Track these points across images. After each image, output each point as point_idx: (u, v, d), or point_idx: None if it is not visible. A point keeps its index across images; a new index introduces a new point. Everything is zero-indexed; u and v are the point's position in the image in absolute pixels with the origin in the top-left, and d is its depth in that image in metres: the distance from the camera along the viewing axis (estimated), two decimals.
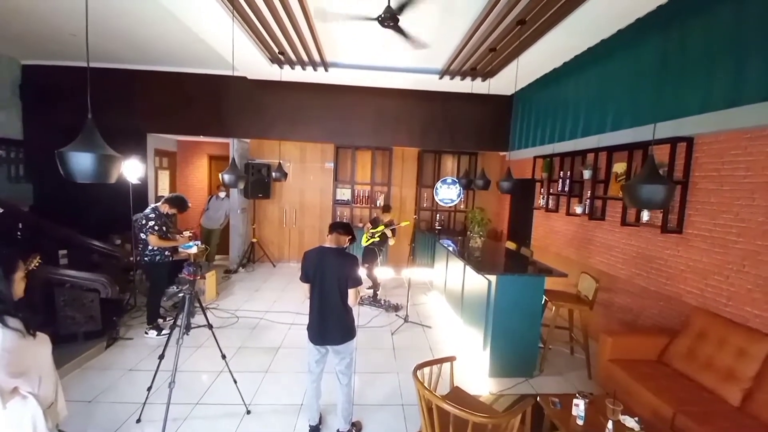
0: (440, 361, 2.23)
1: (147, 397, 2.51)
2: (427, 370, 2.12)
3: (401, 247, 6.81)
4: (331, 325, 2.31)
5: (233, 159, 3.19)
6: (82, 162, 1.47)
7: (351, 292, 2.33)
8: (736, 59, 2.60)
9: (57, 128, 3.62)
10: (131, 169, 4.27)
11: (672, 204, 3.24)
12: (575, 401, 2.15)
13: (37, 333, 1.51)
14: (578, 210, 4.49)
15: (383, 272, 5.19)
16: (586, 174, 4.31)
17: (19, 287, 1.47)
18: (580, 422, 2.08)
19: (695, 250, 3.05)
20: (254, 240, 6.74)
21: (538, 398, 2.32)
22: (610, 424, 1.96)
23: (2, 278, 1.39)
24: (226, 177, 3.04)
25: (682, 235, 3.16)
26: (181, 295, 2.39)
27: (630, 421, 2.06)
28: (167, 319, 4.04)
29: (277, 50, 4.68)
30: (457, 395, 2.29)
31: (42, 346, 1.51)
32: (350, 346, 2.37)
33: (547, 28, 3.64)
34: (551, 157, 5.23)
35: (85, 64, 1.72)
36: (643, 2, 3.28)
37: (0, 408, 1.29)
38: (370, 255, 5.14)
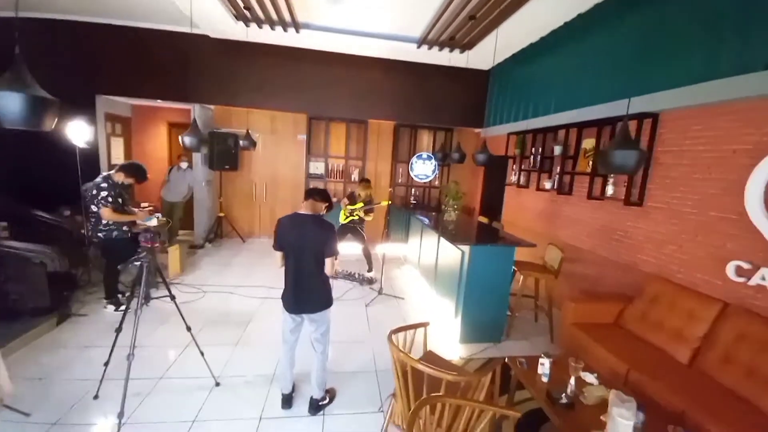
0: (414, 326, 2.24)
1: (104, 373, 2.36)
2: (401, 335, 2.12)
3: (377, 222, 6.77)
4: (306, 294, 2.25)
5: (194, 120, 2.93)
6: (8, 103, 1.26)
7: (328, 261, 2.26)
8: (706, 35, 2.67)
9: None
10: (77, 131, 3.84)
11: (635, 178, 3.38)
12: (541, 360, 2.25)
13: None
14: (548, 185, 4.62)
15: (354, 247, 5.08)
16: (557, 150, 4.41)
17: None
18: (545, 379, 2.19)
19: (653, 221, 3.23)
20: (221, 214, 6.43)
21: (506, 359, 2.42)
22: (572, 380, 2.07)
23: None
24: (187, 140, 2.81)
25: (642, 208, 3.33)
26: (138, 263, 2.21)
27: (589, 377, 2.20)
28: (126, 294, 3.79)
29: (242, 4, 4.29)
30: (430, 358, 2.33)
31: None
32: (326, 315, 2.33)
33: None
34: (524, 134, 5.30)
35: (11, 14, 1.44)
36: None
37: None
38: (354, 233, 4.93)
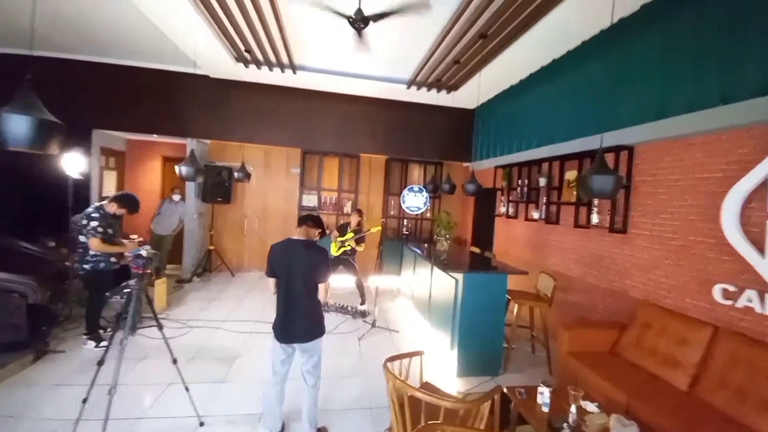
0: (409, 355, 2.20)
1: (81, 410, 2.19)
2: (396, 364, 2.07)
3: (369, 253, 6.76)
4: (298, 322, 2.20)
5: (192, 151, 3.00)
6: (17, 125, 1.30)
7: (321, 287, 2.25)
8: (666, 74, 2.94)
9: None
10: (72, 163, 3.87)
11: (617, 206, 3.53)
12: (540, 389, 2.20)
13: None
14: (535, 215, 4.76)
15: (346, 280, 5.01)
16: (542, 182, 4.60)
17: None
18: (545, 409, 2.13)
19: (638, 247, 3.33)
20: (211, 247, 6.34)
21: (505, 389, 2.35)
22: (573, 409, 2.02)
23: None
24: (184, 170, 2.86)
25: (626, 235, 3.44)
26: (128, 290, 2.15)
27: (591, 406, 2.15)
28: (108, 330, 3.62)
29: (243, 48, 4.57)
30: (427, 389, 2.26)
31: None
32: (318, 345, 2.27)
33: (507, 42, 3.91)
34: (510, 167, 5.53)
35: (20, 52, 1.53)
36: (588, 26, 3.64)
37: None
38: (346, 265, 4.86)
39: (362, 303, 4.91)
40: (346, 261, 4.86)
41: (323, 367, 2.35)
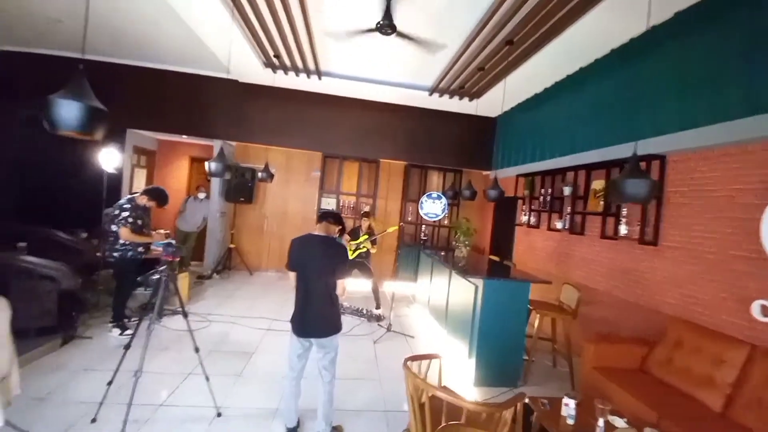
0: (429, 356, 2.16)
1: (106, 393, 2.26)
2: (415, 365, 2.04)
3: (385, 259, 6.75)
4: (316, 316, 2.20)
5: (221, 148, 3.10)
6: (68, 110, 1.38)
7: (339, 283, 2.25)
8: (708, 80, 2.81)
9: (19, 118, 3.35)
10: (107, 158, 4.07)
11: (648, 217, 3.40)
12: (565, 401, 2.12)
13: None
14: (559, 225, 4.64)
15: (362, 284, 4.99)
16: (566, 191, 4.50)
17: None
18: (570, 422, 2.04)
19: (671, 261, 3.18)
20: (232, 246, 6.48)
21: (527, 399, 2.27)
22: (600, 422, 1.93)
23: None
24: (213, 166, 2.95)
25: (657, 248, 3.30)
26: (156, 276, 2.22)
27: (618, 421, 2.05)
28: (132, 319, 3.73)
29: (272, 53, 4.72)
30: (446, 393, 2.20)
31: None
32: (335, 341, 2.26)
33: (534, 50, 3.89)
34: (533, 176, 5.44)
35: (61, 53, 1.62)
36: (618, 35, 3.59)
37: None
38: (361, 268, 4.86)
39: (377, 307, 4.88)
40: (361, 264, 4.86)
41: (339, 366, 2.33)
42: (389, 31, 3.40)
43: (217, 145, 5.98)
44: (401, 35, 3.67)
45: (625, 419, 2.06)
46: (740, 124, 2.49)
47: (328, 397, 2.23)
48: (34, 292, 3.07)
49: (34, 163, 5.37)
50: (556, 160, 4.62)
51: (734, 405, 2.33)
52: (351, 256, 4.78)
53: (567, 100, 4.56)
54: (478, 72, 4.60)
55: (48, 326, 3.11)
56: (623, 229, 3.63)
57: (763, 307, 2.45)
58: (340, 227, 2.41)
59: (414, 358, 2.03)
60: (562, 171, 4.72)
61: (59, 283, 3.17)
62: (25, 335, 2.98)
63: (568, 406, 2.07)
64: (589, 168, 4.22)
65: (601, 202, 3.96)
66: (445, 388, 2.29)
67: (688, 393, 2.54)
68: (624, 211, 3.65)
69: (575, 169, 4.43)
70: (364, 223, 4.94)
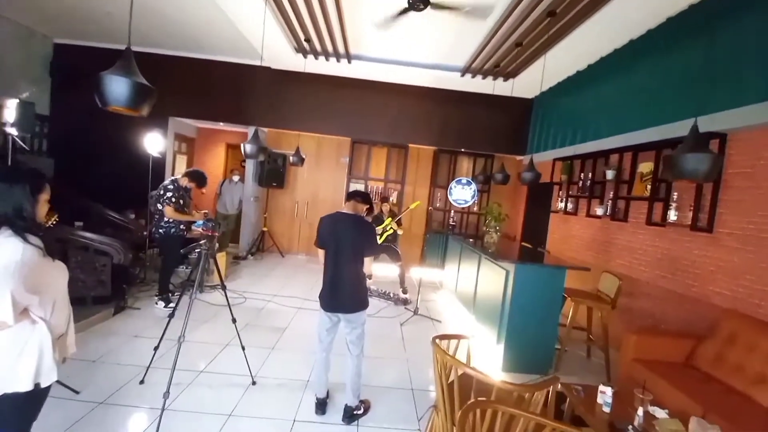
0: (457, 336, 2.13)
1: (153, 358, 2.45)
2: (443, 344, 2.02)
3: (412, 245, 6.74)
4: (343, 292, 2.24)
5: (255, 131, 3.19)
6: (118, 86, 1.46)
7: (366, 260, 2.26)
8: None
9: (82, 107, 3.60)
10: (152, 142, 4.32)
11: (702, 202, 3.13)
12: (601, 389, 2.03)
13: (57, 261, 1.48)
14: (599, 211, 4.38)
15: (389, 269, 5.01)
16: (609, 175, 4.22)
17: (42, 209, 1.44)
18: (606, 410, 1.96)
19: (726, 249, 2.91)
20: (265, 229, 6.72)
21: (559, 386, 2.20)
22: (640, 412, 1.83)
23: (29, 196, 1.36)
24: (248, 147, 3.04)
25: (712, 234, 3.03)
26: (198, 251, 2.34)
27: (660, 412, 1.93)
28: (175, 294, 4.00)
29: (303, 37, 4.74)
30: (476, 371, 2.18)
31: (59, 271, 1.47)
32: (362, 317, 2.29)
33: (577, 21, 3.62)
34: (571, 160, 5.15)
35: (114, 47, 1.70)
36: (671, 3, 3.26)
37: (10, 321, 1.24)
38: (389, 252, 4.89)
39: (404, 291, 4.89)
40: (388, 248, 4.88)
41: (366, 346, 2.37)
42: (421, 6, 3.30)
43: (251, 131, 6.17)
44: (436, 6, 3.48)
45: (667, 410, 1.94)
46: None
47: (355, 370, 2.28)
48: (91, 264, 3.35)
49: (91, 149, 5.83)
50: (601, 142, 4.34)
51: None
52: (380, 240, 4.81)
53: (614, 77, 4.24)
54: (515, 48, 4.37)
55: (102, 296, 3.40)
56: (672, 215, 3.36)
57: None
58: (368, 206, 2.41)
59: (443, 337, 2.01)
60: (605, 154, 4.43)
61: (112, 257, 3.45)
62: (82, 303, 3.30)
63: (605, 394, 1.98)
64: (636, 150, 3.92)
65: (648, 186, 3.67)
66: (473, 368, 2.27)
67: (737, 389, 2.35)
68: (674, 195, 3.37)
69: (620, 151, 4.14)
70: (385, 208, 4.97)
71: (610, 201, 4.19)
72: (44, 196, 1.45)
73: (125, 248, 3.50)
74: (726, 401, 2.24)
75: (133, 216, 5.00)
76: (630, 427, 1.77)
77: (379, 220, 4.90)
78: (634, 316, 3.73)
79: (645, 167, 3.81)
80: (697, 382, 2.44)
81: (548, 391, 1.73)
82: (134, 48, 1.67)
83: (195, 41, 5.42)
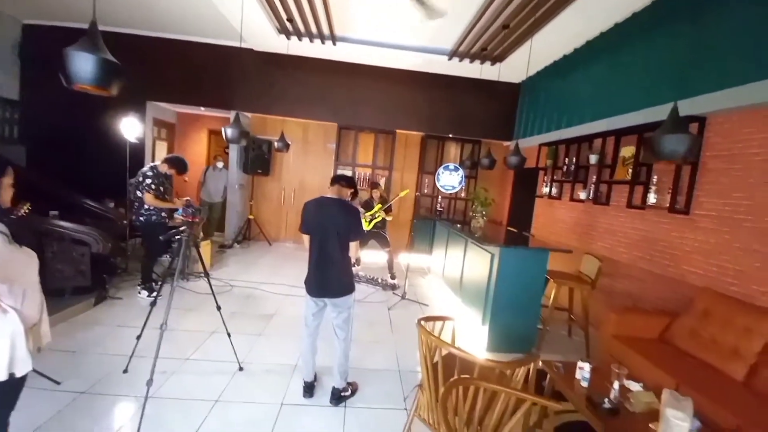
0: (442, 318, 2.17)
1: (135, 346, 2.41)
2: (429, 325, 2.05)
3: (400, 231, 6.75)
4: (329, 277, 2.23)
5: (237, 114, 3.09)
6: (83, 63, 1.38)
7: (352, 245, 2.26)
8: (755, 35, 2.57)
9: (55, 92, 3.41)
10: (129, 127, 4.15)
11: (680, 184, 3.21)
12: (579, 365, 2.10)
13: (24, 248, 1.42)
14: (582, 195, 4.46)
15: (378, 255, 5.02)
16: (593, 159, 4.27)
17: (6, 194, 1.38)
18: (584, 384, 2.03)
19: (702, 230, 3.01)
20: (251, 217, 6.63)
21: (540, 363, 2.27)
22: (615, 385, 1.90)
23: None
24: (229, 131, 2.95)
25: (689, 216, 3.12)
26: (178, 237, 2.29)
27: (635, 386, 2.01)
28: (159, 283, 3.92)
29: (285, 17, 4.58)
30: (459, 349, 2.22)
31: (29, 259, 1.42)
32: (348, 301, 2.29)
33: (564, 3, 3.59)
34: (556, 145, 5.19)
35: (87, 27, 1.57)
36: None
37: None
38: (378, 238, 4.87)
39: (392, 277, 4.93)
40: (377, 234, 4.87)
41: (354, 330, 2.38)
42: None
43: (233, 115, 5.99)
44: None
45: (642, 384, 2.03)
46: None
47: (342, 353, 2.30)
48: (68, 254, 3.25)
49: (65, 135, 5.58)
50: (585, 126, 4.37)
51: (758, 375, 2.25)
52: (368, 227, 4.79)
53: (600, 61, 4.26)
54: (502, 30, 4.32)
55: (82, 287, 3.31)
56: (652, 198, 3.44)
57: None
58: (353, 190, 2.39)
59: (428, 319, 2.03)
60: (589, 138, 4.47)
61: (90, 247, 3.35)
62: (61, 294, 3.21)
63: (583, 370, 2.06)
64: (619, 134, 3.97)
65: (630, 170, 3.74)
66: (457, 347, 2.31)
67: (710, 363, 2.47)
68: (654, 179, 3.45)
69: (603, 135, 4.19)
70: (375, 194, 4.92)
71: (592, 185, 4.27)
72: (7, 180, 1.38)
73: (104, 237, 3.40)
74: (698, 375, 2.35)
75: (112, 205, 4.85)
76: (606, 400, 1.84)
77: (368, 205, 4.87)
78: (614, 296, 3.86)
79: (627, 151, 3.87)
80: (671, 357, 2.55)
81: (529, 368, 1.78)
82: (108, 28, 1.58)
83: (172, 21, 5.18)
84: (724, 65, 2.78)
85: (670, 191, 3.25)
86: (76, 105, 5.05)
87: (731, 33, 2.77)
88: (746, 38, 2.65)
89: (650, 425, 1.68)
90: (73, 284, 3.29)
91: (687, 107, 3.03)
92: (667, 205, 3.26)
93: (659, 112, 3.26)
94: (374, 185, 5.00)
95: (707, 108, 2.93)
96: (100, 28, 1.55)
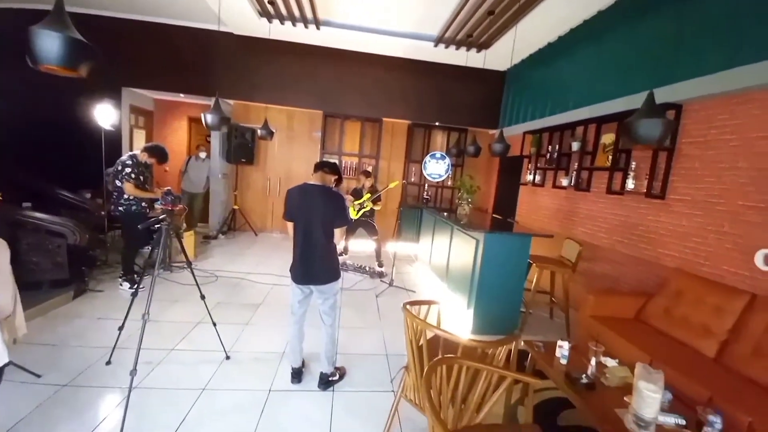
0: (427, 302, 2.21)
1: (118, 338, 2.37)
2: (415, 309, 2.08)
3: (388, 220, 6.77)
4: (314, 264, 2.23)
5: (217, 100, 3.00)
6: (49, 42, 1.32)
7: (337, 231, 2.25)
8: (729, 23, 2.65)
9: (25, 77, 3.22)
10: (103, 114, 3.98)
11: (657, 171, 3.31)
12: (559, 343, 2.18)
13: None
14: (564, 182, 4.55)
15: (366, 244, 5.03)
16: (575, 146, 4.36)
17: None
18: (563, 361, 2.11)
19: (676, 214, 3.13)
20: (235, 207, 6.52)
21: (522, 343, 2.34)
22: (592, 362, 1.99)
23: None
24: (209, 117, 2.87)
25: (664, 201, 3.24)
26: (158, 226, 2.24)
27: (611, 362, 2.11)
28: (140, 275, 3.84)
29: None
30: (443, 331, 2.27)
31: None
32: (334, 287, 2.30)
33: None
34: (540, 133, 5.26)
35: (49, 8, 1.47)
36: None
37: None
38: (366, 226, 4.88)
39: (380, 265, 4.96)
40: (365, 222, 4.88)
41: (342, 317, 2.40)
42: None
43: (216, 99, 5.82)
44: None
45: (617, 360, 2.12)
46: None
47: (329, 338, 2.32)
48: (43, 246, 3.14)
49: (36, 124, 5.30)
50: (568, 114, 4.44)
51: (728, 351, 2.37)
52: (356, 215, 4.79)
53: (583, 49, 4.29)
54: (487, 17, 4.29)
55: (60, 279, 3.21)
56: (630, 184, 3.54)
57: (767, 256, 2.43)
58: (337, 177, 2.37)
59: (413, 303, 2.07)
60: (571, 126, 4.55)
61: (67, 238, 3.24)
62: (38, 287, 3.11)
63: (562, 348, 2.13)
64: (600, 121, 4.05)
65: (610, 157, 3.83)
66: (441, 329, 2.37)
67: (683, 340, 2.59)
68: (633, 165, 3.54)
69: (585, 123, 4.26)
70: (367, 183, 4.89)
71: (574, 172, 4.36)
72: None
73: (81, 228, 3.29)
74: (671, 351, 2.47)
75: (89, 196, 4.68)
76: (584, 375, 1.92)
77: (358, 194, 4.86)
78: (593, 278, 3.99)
79: (607, 138, 3.96)
80: (646, 335, 2.67)
81: (510, 348, 1.84)
82: (81, 10, 1.49)
83: (147, 2, 4.94)
84: (700, 54, 2.85)
85: (648, 177, 3.35)
86: (49, 91, 4.81)
87: (706, 22, 2.84)
88: (720, 27, 2.72)
89: (625, 398, 1.77)
90: (50, 277, 3.19)
91: (665, 95, 3.11)
92: (645, 190, 3.37)
93: (638, 100, 3.27)
94: (367, 174, 4.94)
95: (683, 95, 3.01)
96: (72, 9, 1.48)
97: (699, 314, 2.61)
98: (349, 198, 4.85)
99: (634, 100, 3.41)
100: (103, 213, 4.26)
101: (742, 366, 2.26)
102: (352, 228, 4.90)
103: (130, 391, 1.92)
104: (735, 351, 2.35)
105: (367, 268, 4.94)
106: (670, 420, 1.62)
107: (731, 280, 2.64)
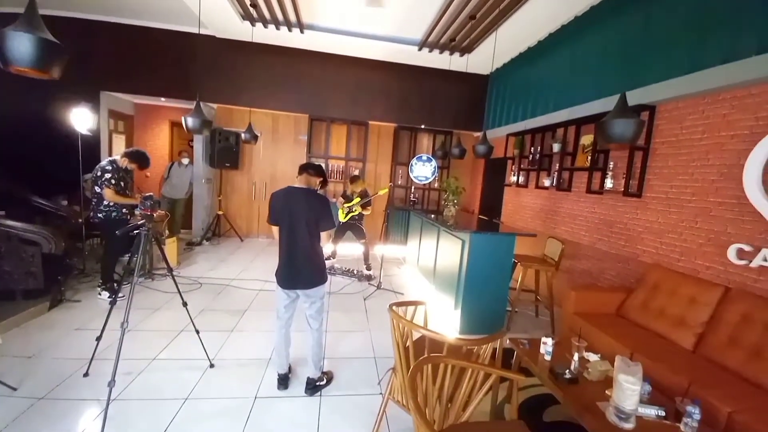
0: (414, 303, 2.22)
1: (96, 348, 2.30)
2: (401, 310, 2.09)
3: (375, 222, 6.78)
4: (300, 268, 2.21)
5: (198, 102, 2.95)
6: (20, 44, 1.28)
7: (323, 234, 2.24)
8: (696, 26, 2.78)
9: None
10: (80, 118, 3.87)
11: (633, 170, 3.42)
12: (543, 340, 2.23)
13: None
14: (547, 183, 4.65)
15: (354, 247, 5.01)
16: (556, 147, 4.46)
17: None
18: (547, 358, 2.15)
19: (652, 212, 3.24)
20: (220, 212, 6.41)
21: (507, 341, 2.38)
22: (575, 357, 2.03)
23: None
24: (190, 120, 2.82)
25: (641, 199, 3.35)
26: (136, 232, 2.18)
27: (593, 357, 2.16)
28: (123, 284, 3.73)
29: (249, 2, 4.40)
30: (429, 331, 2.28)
31: None
32: (321, 291, 2.29)
33: None
34: (523, 134, 5.37)
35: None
36: None
37: None
38: (354, 229, 4.86)
39: (368, 268, 4.95)
40: (353, 226, 4.87)
41: (330, 320, 2.38)
42: None
43: (198, 103, 5.73)
44: None
45: (599, 354, 2.17)
46: (747, 65, 2.43)
47: (316, 342, 2.30)
48: (16, 255, 3.02)
49: (9, 128, 5.11)
50: (549, 116, 4.56)
51: (705, 343, 2.45)
52: (344, 218, 4.77)
53: (561, 53, 4.43)
54: (469, 21, 4.38)
55: (34, 289, 3.09)
56: (609, 183, 3.65)
57: (739, 250, 2.54)
58: (321, 179, 2.37)
59: (399, 304, 2.07)
60: (552, 128, 4.66)
61: (41, 246, 3.12)
62: (11, 297, 2.99)
63: (546, 344, 2.18)
64: (580, 123, 4.16)
65: (589, 157, 3.95)
66: (427, 329, 2.38)
67: (661, 333, 2.68)
68: (611, 165, 3.66)
69: (565, 125, 4.38)
70: (358, 188, 4.87)
71: (556, 172, 4.46)
72: None
73: (56, 236, 3.18)
74: (650, 343, 2.54)
75: (65, 202, 4.53)
76: (567, 370, 1.96)
77: (349, 198, 4.85)
78: (576, 275, 4.09)
79: (586, 139, 4.07)
80: (626, 330, 2.75)
81: (495, 345, 1.86)
82: (58, 12, 1.46)
83: (126, 4, 4.84)
84: (670, 56, 2.98)
85: (625, 176, 3.46)
86: (22, 95, 4.66)
87: (676, 25, 2.97)
88: (689, 30, 2.85)
89: (606, 391, 1.81)
90: (24, 287, 3.07)
91: (639, 96, 3.23)
92: (622, 189, 3.48)
93: (614, 102, 3.41)
94: (356, 178, 4.88)
95: (656, 97, 3.13)
96: (48, 12, 1.45)
97: (676, 308, 2.70)
98: (339, 200, 4.85)
99: (611, 102, 3.50)
100: (80, 220, 4.12)
101: (719, 357, 2.34)
102: (340, 231, 4.88)
103: (108, 403, 1.86)
104: (712, 342, 2.43)
105: (355, 272, 4.93)
106: (650, 411, 1.67)
107: (706, 274, 2.74)
